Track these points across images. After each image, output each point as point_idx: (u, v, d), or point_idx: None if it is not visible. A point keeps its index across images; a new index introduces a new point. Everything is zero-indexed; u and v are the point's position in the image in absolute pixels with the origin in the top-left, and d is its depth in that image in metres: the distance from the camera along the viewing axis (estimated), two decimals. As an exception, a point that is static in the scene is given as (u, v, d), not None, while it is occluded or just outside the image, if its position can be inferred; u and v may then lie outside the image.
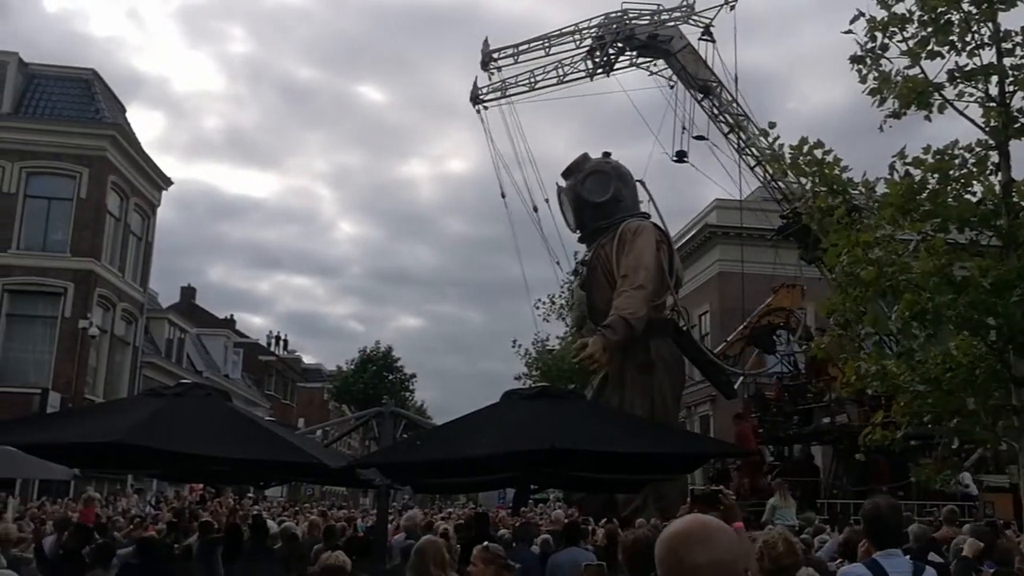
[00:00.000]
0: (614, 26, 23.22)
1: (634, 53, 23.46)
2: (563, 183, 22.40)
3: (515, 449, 6.80)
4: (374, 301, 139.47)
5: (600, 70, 23.35)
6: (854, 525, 8.51)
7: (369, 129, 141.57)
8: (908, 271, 7.98)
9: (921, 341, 8.16)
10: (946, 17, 8.27)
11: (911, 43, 8.41)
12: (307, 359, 69.81)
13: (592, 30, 23.47)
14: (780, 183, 22.59)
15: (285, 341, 62.03)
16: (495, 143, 24.45)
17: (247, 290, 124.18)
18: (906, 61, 8.46)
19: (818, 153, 8.65)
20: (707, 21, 23.09)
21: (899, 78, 8.47)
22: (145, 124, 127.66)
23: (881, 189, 8.59)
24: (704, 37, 23.03)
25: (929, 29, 8.31)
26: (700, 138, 23.07)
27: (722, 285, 31.02)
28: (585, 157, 22.25)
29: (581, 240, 22.49)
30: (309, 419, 51.82)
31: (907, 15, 8.42)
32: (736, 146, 22.67)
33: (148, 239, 31.69)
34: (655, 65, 23.55)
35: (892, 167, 8.44)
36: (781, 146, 8.91)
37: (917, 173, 8.25)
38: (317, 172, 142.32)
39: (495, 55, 23.93)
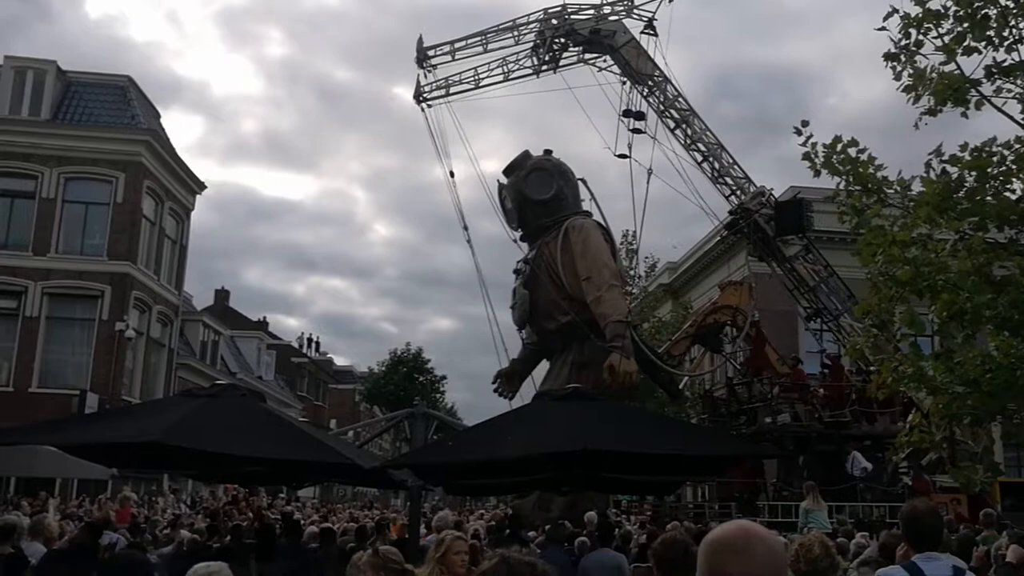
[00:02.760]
0: (553, 21, 22.76)
1: (579, 49, 22.98)
2: (504, 180, 22.04)
3: (547, 450, 6.78)
4: (408, 303, 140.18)
5: (546, 67, 22.86)
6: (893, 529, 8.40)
7: (404, 130, 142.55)
8: (946, 271, 7.85)
9: (959, 342, 8.03)
10: (983, 12, 8.11)
11: (947, 39, 8.27)
12: (340, 361, 70.44)
13: (532, 26, 23.00)
14: (728, 179, 22.26)
15: (317, 343, 62.68)
16: (438, 141, 23.28)
17: (283, 292, 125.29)
18: (941, 57, 8.32)
19: (852, 152, 8.55)
20: (649, 14, 22.55)
21: (934, 75, 8.33)
22: (185, 128, 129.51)
23: (917, 187, 8.46)
24: (647, 31, 22.49)
25: (965, 24, 8.16)
26: (636, 130, 22.10)
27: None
28: (526, 155, 21.90)
29: (523, 238, 22.07)
30: (341, 420, 52.17)
31: (942, 11, 8.27)
32: (682, 142, 22.32)
33: (183, 242, 32.11)
34: (604, 61, 22.96)
35: (928, 165, 8.31)
36: (815, 144, 8.81)
37: (954, 171, 8.12)
38: (353, 174, 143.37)
39: (430, 52, 23.33)
